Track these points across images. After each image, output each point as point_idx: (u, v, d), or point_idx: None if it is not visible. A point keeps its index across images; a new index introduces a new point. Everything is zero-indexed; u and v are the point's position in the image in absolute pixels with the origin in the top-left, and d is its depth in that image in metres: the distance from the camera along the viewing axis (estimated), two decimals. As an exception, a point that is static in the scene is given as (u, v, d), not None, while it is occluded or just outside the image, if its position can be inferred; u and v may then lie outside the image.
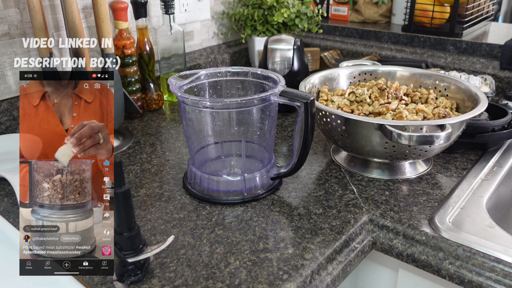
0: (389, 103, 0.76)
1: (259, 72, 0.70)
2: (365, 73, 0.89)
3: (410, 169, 0.75)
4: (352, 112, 0.77)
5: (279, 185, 0.71)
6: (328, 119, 0.71)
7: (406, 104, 0.78)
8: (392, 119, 0.72)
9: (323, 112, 0.71)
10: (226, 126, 0.66)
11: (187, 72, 0.69)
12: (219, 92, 0.72)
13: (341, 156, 0.80)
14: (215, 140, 0.69)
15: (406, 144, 0.63)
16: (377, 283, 0.70)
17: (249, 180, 0.66)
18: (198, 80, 0.70)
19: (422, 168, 0.76)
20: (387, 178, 0.73)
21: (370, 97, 0.80)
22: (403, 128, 0.64)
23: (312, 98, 0.61)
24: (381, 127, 0.65)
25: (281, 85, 0.63)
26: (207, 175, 0.67)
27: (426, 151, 0.68)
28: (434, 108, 0.76)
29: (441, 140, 0.62)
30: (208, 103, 0.61)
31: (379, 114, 0.74)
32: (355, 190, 0.70)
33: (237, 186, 0.66)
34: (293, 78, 0.98)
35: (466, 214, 0.64)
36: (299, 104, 0.62)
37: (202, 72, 0.70)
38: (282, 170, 0.68)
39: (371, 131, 0.67)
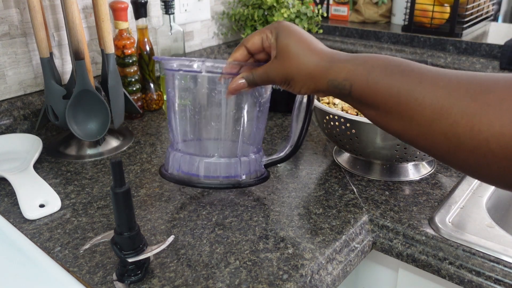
0: None
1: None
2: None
3: (414, 171, 0.74)
4: (357, 114, 0.77)
5: (268, 176, 0.68)
6: (337, 123, 0.70)
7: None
8: None
9: (331, 116, 0.71)
10: (215, 107, 0.62)
11: (173, 58, 0.64)
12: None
13: (344, 158, 0.80)
14: (201, 122, 0.64)
15: None
16: (377, 283, 0.70)
17: (244, 163, 0.64)
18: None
19: (425, 170, 0.75)
20: (390, 180, 0.73)
21: None
22: None
23: None
24: None
25: None
26: (198, 157, 0.63)
27: None
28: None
29: None
30: (206, 64, 0.58)
31: None
32: (355, 190, 0.70)
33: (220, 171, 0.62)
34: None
35: (466, 214, 0.64)
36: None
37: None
38: (280, 155, 0.66)
39: (383, 134, 0.67)
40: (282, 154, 0.66)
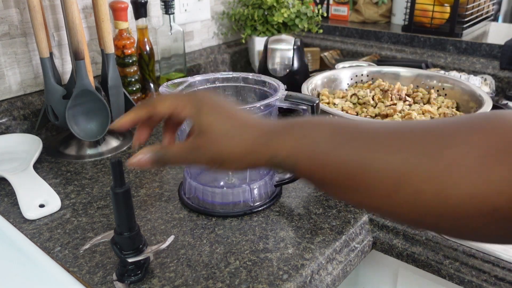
0: (395, 104, 0.76)
1: (250, 77, 0.69)
2: (367, 75, 0.89)
3: None
4: (357, 114, 0.76)
5: (280, 193, 0.70)
6: None
7: (410, 105, 0.78)
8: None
9: (331, 116, 0.70)
10: None
11: (176, 80, 0.66)
12: None
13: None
14: None
15: None
16: (377, 283, 0.70)
17: (252, 190, 0.65)
18: (189, 88, 0.67)
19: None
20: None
21: (373, 99, 0.80)
22: None
23: (317, 102, 0.61)
24: None
25: (282, 89, 0.63)
26: (210, 187, 0.65)
27: None
28: (437, 108, 0.76)
29: None
30: None
31: (386, 116, 0.74)
32: (355, 190, 0.70)
33: (238, 198, 0.65)
34: (293, 78, 0.98)
35: (466, 214, 0.64)
36: (305, 107, 0.61)
37: (190, 79, 0.67)
38: (287, 175, 0.67)
39: None
40: (293, 174, 0.66)
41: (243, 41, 1.24)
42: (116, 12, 0.91)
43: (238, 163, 0.42)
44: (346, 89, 0.88)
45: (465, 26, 1.19)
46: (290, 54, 0.98)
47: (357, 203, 0.38)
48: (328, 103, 0.81)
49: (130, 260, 0.50)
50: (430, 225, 0.34)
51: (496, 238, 0.33)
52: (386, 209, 0.35)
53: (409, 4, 1.25)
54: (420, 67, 1.07)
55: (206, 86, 0.69)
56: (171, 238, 0.53)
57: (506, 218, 0.29)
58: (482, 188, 0.29)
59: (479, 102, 0.73)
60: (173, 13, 1.00)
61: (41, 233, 0.61)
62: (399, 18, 1.37)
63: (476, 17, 1.27)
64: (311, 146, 0.38)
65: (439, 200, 0.31)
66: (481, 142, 0.30)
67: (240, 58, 1.32)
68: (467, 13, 1.19)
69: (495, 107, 0.86)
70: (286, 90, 0.63)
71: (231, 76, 0.69)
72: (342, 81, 0.89)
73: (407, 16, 1.25)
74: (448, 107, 0.77)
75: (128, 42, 0.93)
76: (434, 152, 0.32)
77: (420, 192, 0.32)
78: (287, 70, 0.98)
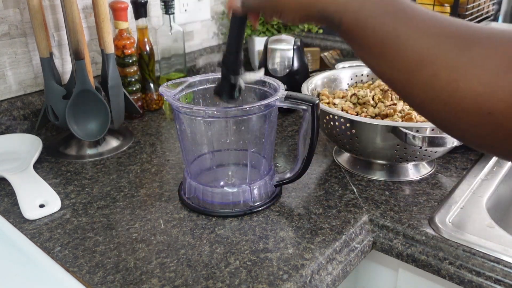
0: (395, 104, 0.76)
1: None
2: (367, 75, 0.89)
3: (414, 171, 0.74)
4: (357, 114, 0.76)
5: (280, 193, 0.70)
6: (337, 123, 0.70)
7: (410, 105, 0.78)
8: (402, 120, 0.72)
9: (331, 116, 0.71)
10: (224, 135, 0.65)
11: (176, 80, 0.67)
12: (208, 100, 0.70)
13: (344, 158, 0.80)
14: (214, 149, 0.68)
15: (419, 145, 0.63)
16: (377, 283, 0.70)
17: (252, 190, 0.65)
18: (189, 88, 0.68)
19: (425, 170, 0.76)
20: (390, 180, 0.73)
21: (373, 99, 0.80)
22: (414, 129, 0.64)
23: (317, 101, 0.61)
24: (394, 130, 0.65)
25: (282, 89, 0.63)
26: (210, 188, 0.65)
27: (436, 152, 0.69)
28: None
29: (454, 142, 0.63)
30: (215, 112, 0.60)
31: (386, 115, 0.74)
32: (355, 190, 0.70)
33: (237, 198, 0.65)
34: (293, 78, 0.98)
35: (466, 214, 0.64)
36: (305, 107, 0.61)
37: (190, 79, 0.68)
38: (287, 175, 0.67)
39: (383, 134, 0.67)
40: (292, 174, 0.67)
41: (243, 41, 1.24)
42: (116, 12, 0.91)
43: (294, 12, 0.47)
44: (346, 89, 0.88)
45: (465, 26, 1.19)
46: (290, 54, 0.98)
47: (381, 73, 0.41)
48: (328, 103, 0.81)
49: (231, 78, 0.58)
50: (434, 112, 0.37)
51: (485, 143, 0.36)
52: (403, 86, 0.39)
53: (409, 4, 1.25)
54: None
55: (206, 86, 0.69)
56: (262, 71, 0.64)
57: (497, 123, 0.33)
58: (488, 89, 0.32)
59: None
60: (173, 13, 1.00)
61: (41, 233, 0.61)
62: (399, 18, 1.37)
63: (476, 17, 1.27)
64: (357, 7, 0.41)
65: (449, 88, 0.34)
66: (507, 52, 0.33)
67: (240, 58, 1.32)
68: (467, 13, 1.19)
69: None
70: (286, 90, 0.63)
71: None
72: (342, 81, 0.89)
73: (407, 16, 1.25)
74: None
75: (128, 42, 0.93)
76: (463, 46, 0.34)
77: (436, 76, 0.35)
78: (287, 70, 0.98)
